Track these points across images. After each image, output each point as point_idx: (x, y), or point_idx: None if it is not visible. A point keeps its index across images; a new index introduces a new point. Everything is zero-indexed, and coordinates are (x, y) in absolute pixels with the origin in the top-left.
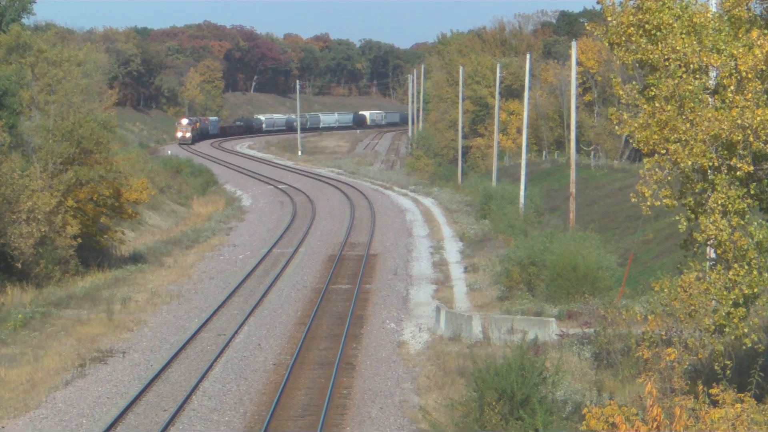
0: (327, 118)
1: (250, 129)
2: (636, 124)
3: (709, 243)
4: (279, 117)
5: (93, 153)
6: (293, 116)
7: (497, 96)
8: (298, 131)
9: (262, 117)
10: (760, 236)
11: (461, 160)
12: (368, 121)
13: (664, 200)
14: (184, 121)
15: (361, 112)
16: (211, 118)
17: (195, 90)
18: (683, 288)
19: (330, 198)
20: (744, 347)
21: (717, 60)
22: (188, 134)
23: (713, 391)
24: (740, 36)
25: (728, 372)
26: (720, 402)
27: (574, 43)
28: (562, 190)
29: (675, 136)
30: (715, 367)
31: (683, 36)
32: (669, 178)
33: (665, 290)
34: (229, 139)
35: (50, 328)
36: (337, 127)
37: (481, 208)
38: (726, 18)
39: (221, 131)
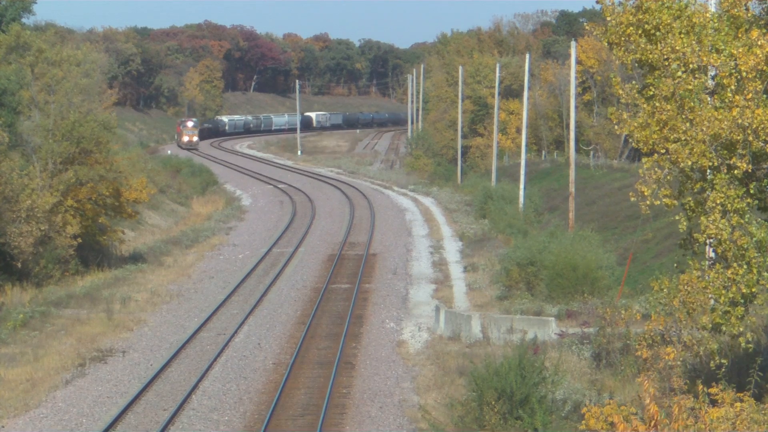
0: (278, 120)
1: (216, 131)
2: (635, 124)
3: (709, 242)
4: (239, 118)
5: (93, 153)
6: (250, 117)
7: (497, 96)
8: (298, 131)
9: (225, 119)
10: (761, 235)
11: (460, 159)
12: (314, 123)
13: (664, 200)
14: (190, 123)
15: (307, 114)
16: (192, 119)
17: (195, 90)
18: (683, 286)
19: (330, 197)
20: (742, 348)
21: (716, 60)
22: (195, 138)
23: (712, 390)
24: (740, 36)
25: (723, 370)
26: (719, 401)
27: (573, 44)
28: (561, 190)
29: (674, 135)
30: (711, 366)
31: (682, 36)
32: (668, 177)
33: (664, 290)
34: (228, 139)
35: (50, 328)
36: (287, 129)
37: (481, 208)
38: (725, 18)
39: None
